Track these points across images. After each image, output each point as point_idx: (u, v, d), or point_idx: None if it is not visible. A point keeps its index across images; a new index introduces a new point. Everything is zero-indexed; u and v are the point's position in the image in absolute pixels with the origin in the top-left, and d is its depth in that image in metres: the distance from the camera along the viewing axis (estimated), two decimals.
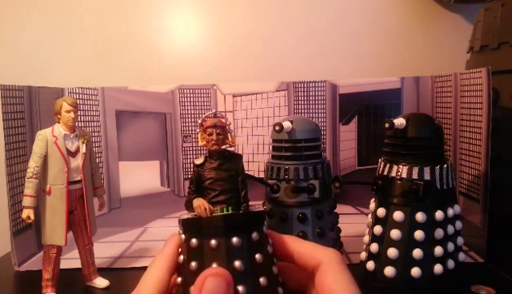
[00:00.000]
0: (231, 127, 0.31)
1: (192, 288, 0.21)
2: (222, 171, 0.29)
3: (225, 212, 0.26)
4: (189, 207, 0.28)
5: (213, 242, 0.23)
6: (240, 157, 0.31)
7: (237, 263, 0.22)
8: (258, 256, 0.23)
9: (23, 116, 0.72)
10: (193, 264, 0.23)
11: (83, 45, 0.97)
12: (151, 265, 0.25)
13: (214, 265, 0.22)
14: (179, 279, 0.24)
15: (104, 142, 0.89)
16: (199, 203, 0.26)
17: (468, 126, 0.72)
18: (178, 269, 0.24)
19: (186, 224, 0.25)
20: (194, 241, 0.23)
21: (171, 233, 0.26)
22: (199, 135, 0.30)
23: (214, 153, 0.29)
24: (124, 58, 0.97)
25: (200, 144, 0.30)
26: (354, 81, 0.89)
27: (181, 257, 0.24)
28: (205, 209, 0.26)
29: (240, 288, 0.22)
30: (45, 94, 0.78)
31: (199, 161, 0.29)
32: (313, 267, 0.24)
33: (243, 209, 0.28)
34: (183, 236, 0.24)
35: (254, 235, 0.24)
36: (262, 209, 0.26)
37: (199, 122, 0.30)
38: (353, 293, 0.22)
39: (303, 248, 0.25)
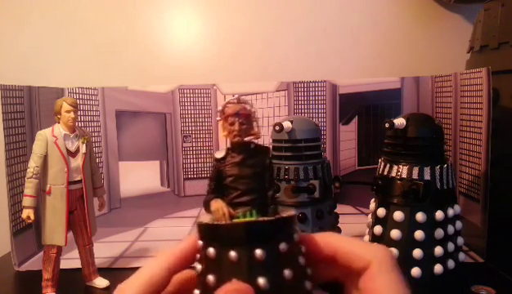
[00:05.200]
0: (257, 115, 0.26)
1: None
2: (245, 168, 0.24)
3: (248, 218, 0.22)
4: (207, 208, 0.23)
5: (232, 253, 0.20)
6: (267, 150, 0.25)
7: (261, 280, 0.19)
8: (287, 271, 0.20)
9: (23, 116, 0.72)
10: (210, 277, 0.20)
11: (83, 45, 0.97)
12: (153, 258, 0.23)
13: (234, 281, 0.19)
14: (196, 292, 0.21)
15: (104, 142, 0.89)
16: (218, 206, 0.22)
17: (468, 126, 0.72)
18: (196, 279, 0.22)
19: (202, 230, 0.22)
20: (211, 250, 0.21)
21: (188, 234, 0.24)
22: (219, 124, 0.25)
23: (237, 145, 0.24)
24: (124, 58, 0.97)
25: (221, 134, 0.25)
26: (354, 81, 0.89)
27: (199, 267, 0.22)
28: (224, 214, 0.22)
29: None
30: (45, 94, 0.78)
31: (219, 154, 0.24)
32: (360, 269, 0.21)
33: (270, 213, 0.23)
34: (200, 242, 0.22)
35: (282, 246, 0.20)
36: (292, 213, 0.22)
37: (220, 108, 0.25)
38: None
39: (347, 247, 0.22)
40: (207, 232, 0.21)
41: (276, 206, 0.24)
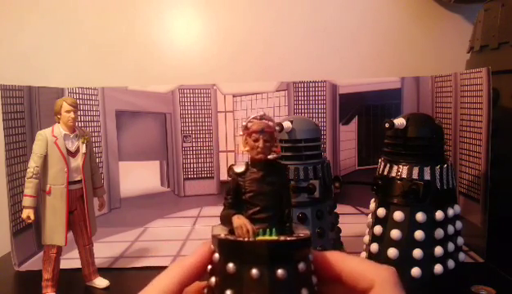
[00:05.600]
0: (278, 133, 0.26)
1: None
2: (265, 185, 0.24)
3: (268, 236, 0.22)
4: (226, 222, 0.23)
5: (254, 271, 0.20)
6: (285, 167, 0.26)
7: None
8: (304, 291, 0.21)
9: (23, 116, 0.72)
10: (228, 292, 0.21)
11: (83, 45, 0.97)
12: (165, 271, 0.23)
13: None
14: None
15: (104, 142, 0.89)
16: (242, 223, 0.22)
17: (468, 126, 0.72)
18: (209, 291, 0.22)
19: (223, 246, 0.22)
20: (231, 266, 0.21)
21: (203, 242, 0.23)
22: (241, 139, 0.25)
23: (258, 162, 0.25)
24: (124, 58, 0.97)
25: (242, 149, 0.25)
26: (354, 81, 0.89)
27: (213, 279, 0.22)
28: (248, 231, 0.22)
29: None
30: (45, 94, 0.78)
31: (239, 169, 0.24)
32: (364, 289, 0.22)
33: (287, 231, 0.23)
34: (216, 255, 0.22)
35: (301, 266, 0.21)
36: (308, 234, 0.23)
37: (244, 124, 0.25)
38: None
39: (352, 267, 0.22)
40: (228, 247, 0.22)
41: (290, 223, 0.24)
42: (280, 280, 0.20)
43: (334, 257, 0.23)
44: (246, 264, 0.21)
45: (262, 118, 0.25)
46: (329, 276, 0.23)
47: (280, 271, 0.20)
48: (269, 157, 0.25)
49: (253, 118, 0.25)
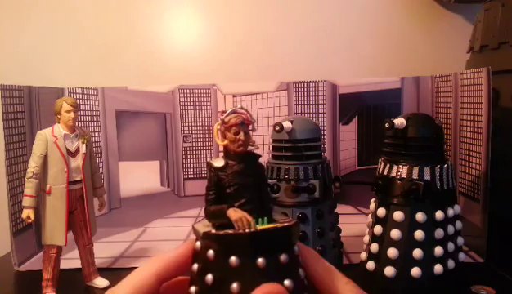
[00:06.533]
0: (255, 125, 0.26)
1: None
2: (247, 176, 0.24)
3: (260, 225, 0.22)
4: (217, 217, 0.23)
5: (260, 260, 0.21)
6: (259, 157, 0.26)
7: (287, 282, 0.21)
8: (301, 271, 0.22)
9: (23, 116, 0.72)
10: (235, 285, 0.21)
11: (83, 45, 0.97)
12: (143, 264, 0.23)
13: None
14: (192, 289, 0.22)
15: (104, 142, 0.89)
16: (241, 215, 0.22)
17: (468, 126, 0.72)
18: (210, 290, 0.22)
19: (223, 241, 0.22)
20: (234, 259, 0.21)
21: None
22: (218, 133, 0.25)
23: (237, 154, 0.25)
24: (124, 58, 0.97)
25: (220, 143, 0.25)
26: (354, 81, 0.89)
27: (210, 276, 0.22)
28: (249, 222, 0.22)
29: None
30: (45, 94, 0.78)
31: (218, 163, 0.25)
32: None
33: (273, 220, 0.24)
34: (211, 252, 0.22)
35: (296, 250, 0.22)
36: (291, 219, 0.23)
37: (221, 117, 0.25)
38: None
39: (325, 271, 0.23)
40: (229, 242, 0.22)
41: (271, 211, 0.25)
42: (284, 265, 0.21)
43: (311, 255, 0.24)
44: (250, 255, 0.21)
45: (239, 110, 0.26)
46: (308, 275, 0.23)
47: (283, 256, 0.21)
48: (249, 148, 0.25)
49: (231, 112, 0.25)
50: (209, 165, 0.25)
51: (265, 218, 0.23)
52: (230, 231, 0.22)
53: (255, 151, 0.26)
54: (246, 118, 0.25)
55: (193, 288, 0.22)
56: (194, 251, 0.23)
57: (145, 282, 0.22)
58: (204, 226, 0.23)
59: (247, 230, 0.22)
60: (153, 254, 0.73)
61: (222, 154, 0.26)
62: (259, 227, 0.22)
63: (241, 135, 0.25)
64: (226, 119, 0.25)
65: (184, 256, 0.23)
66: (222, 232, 0.22)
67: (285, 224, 0.22)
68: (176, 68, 0.97)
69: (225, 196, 0.24)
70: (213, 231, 0.22)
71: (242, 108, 0.26)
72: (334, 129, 0.90)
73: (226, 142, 0.25)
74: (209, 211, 0.24)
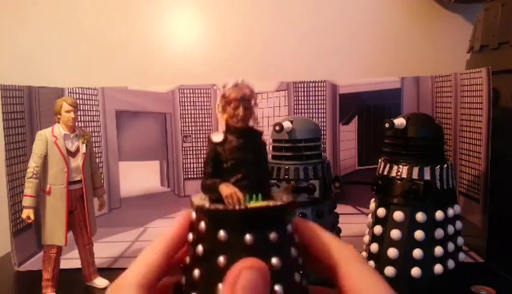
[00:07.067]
0: (257, 99, 0.25)
1: (220, 284, 0.20)
2: (246, 152, 0.23)
3: (254, 202, 0.22)
4: (211, 191, 0.23)
5: (248, 237, 0.21)
6: (261, 133, 0.25)
7: (274, 260, 0.21)
8: (293, 250, 0.22)
9: (23, 116, 0.72)
10: (221, 259, 0.21)
11: (83, 45, 0.97)
12: (149, 246, 0.23)
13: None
14: (196, 272, 0.22)
15: (104, 142, 0.89)
16: (232, 191, 0.22)
17: (468, 126, 0.72)
18: (196, 260, 0.22)
19: (213, 216, 0.22)
20: (222, 234, 0.21)
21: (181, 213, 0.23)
22: (218, 108, 0.24)
23: (237, 129, 0.24)
24: (124, 58, 0.97)
25: (220, 118, 0.24)
26: (354, 81, 0.89)
27: (200, 247, 0.22)
28: (239, 199, 0.22)
29: None
30: (45, 94, 0.78)
31: (218, 138, 0.24)
32: (330, 267, 0.22)
33: (269, 197, 0.23)
34: (203, 224, 0.22)
35: (289, 228, 0.22)
36: (291, 198, 0.23)
37: (222, 92, 0.24)
38: (384, 289, 0.21)
39: (324, 243, 0.23)
40: (218, 217, 0.22)
41: (270, 189, 0.24)
42: (272, 243, 0.21)
43: (315, 232, 0.23)
44: (238, 231, 0.21)
45: (241, 84, 0.25)
46: (303, 244, 0.23)
47: (272, 235, 0.21)
48: (250, 124, 0.24)
49: (232, 86, 0.24)
50: (209, 139, 0.25)
51: (259, 195, 0.22)
52: (220, 206, 0.22)
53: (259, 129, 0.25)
54: (247, 92, 0.24)
55: (187, 257, 0.23)
56: (190, 222, 0.23)
57: (156, 263, 0.22)
58: (201, 199, 0.23)
59: (237, 207, 0.21)
60: None
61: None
62: (251, 204, 0.22)
63: (240, 111, 0.24)
64: (227, 93, 0.24)
65: (185, 229, 0.23)
66: (212, 207, 0.22)
67: (277, 204, 0.22)
68: (176, 68, 0.97)
69: (222, 171, 0.24)
70: (206, 205, 0.22)
71: (243, 81, 0.25)
72: (334, 129, 0.90)
73: (225, 117, 0.24)
74: (205, 184, 0.24)
